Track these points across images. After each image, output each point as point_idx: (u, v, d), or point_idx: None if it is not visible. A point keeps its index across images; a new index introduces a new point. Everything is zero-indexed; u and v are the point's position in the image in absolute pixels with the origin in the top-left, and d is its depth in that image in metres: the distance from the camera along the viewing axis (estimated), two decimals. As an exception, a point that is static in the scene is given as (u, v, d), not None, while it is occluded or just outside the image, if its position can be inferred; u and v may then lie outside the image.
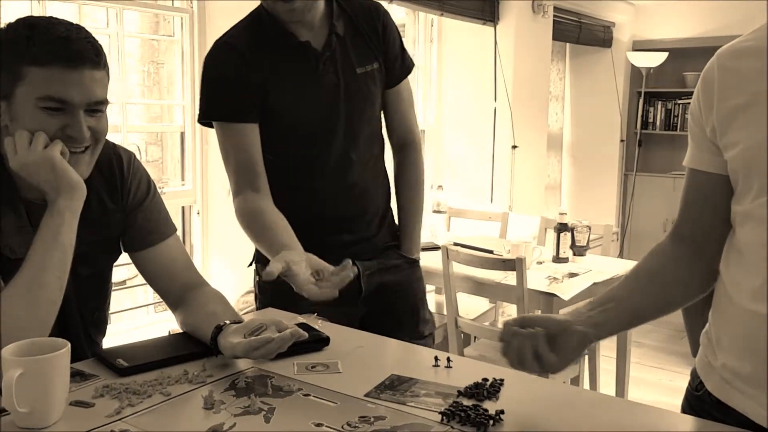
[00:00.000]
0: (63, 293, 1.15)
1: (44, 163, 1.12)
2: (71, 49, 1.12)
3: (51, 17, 1.17)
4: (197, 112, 1.60)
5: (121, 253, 1.35)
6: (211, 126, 1.59)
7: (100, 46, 1.19)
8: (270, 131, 1.56)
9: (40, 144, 1.12)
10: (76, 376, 1.13)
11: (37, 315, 1.10)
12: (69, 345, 1.00)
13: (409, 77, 1.74)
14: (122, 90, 3.16)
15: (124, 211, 1.30)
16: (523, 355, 1.01)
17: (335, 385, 1.13)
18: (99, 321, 1.34)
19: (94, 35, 1.18)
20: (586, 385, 3.19)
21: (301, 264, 1.31)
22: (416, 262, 1.76)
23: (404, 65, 1.71)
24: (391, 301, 1.69)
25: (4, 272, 1.14)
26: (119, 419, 1.00)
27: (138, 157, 1.37)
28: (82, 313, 1.21)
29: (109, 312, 1.38)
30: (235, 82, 1.53)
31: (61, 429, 0.97)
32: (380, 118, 1.71)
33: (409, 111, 1.76)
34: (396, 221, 1.79)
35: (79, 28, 1.16)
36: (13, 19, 1.16)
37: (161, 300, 1.43)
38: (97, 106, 1.18)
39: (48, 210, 1.14)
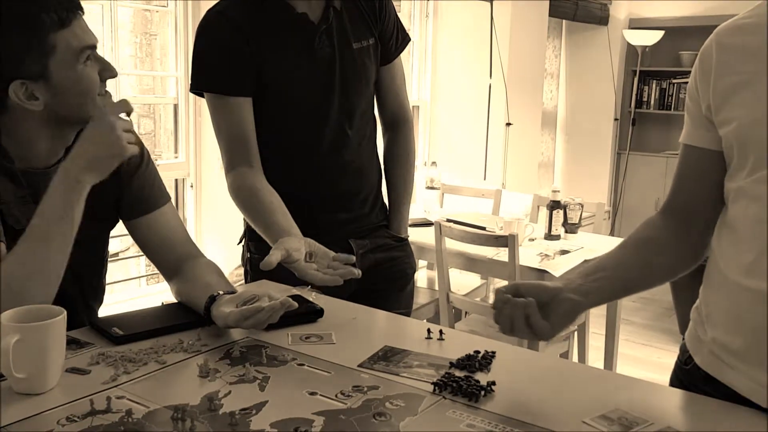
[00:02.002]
0: (65, 265, 1.15)
1: (114, 135, 1.13)
2: (73, 2, 1.14)
3: None
4: (191, 81, 1.58)
5: (117, 221, 1.35)
6: (202, 95, 1.57)
7: None
8: (264, 105, 1.54)
9: (124, 125, 1.15)
10: (72, 343, 1.14)
11: (38, 285, 1.11)
12: (65, 312, 1.00)
13: (404, 53, 1.73)
14: (114, 61, 3.13)
15: (120, 178, 1.30)
16: (514, 323, 1.02)
17: (329, 355, 1.14)
18: (96, 288, 1.34)
19: (85, 5, 1.18)
20: (575, 360, 3.22)
21: (301, 251, 1.32)
22: (405, 240, 1.77)
23: (400, 41, 1.69)
24: (379, 279, 1.70)
25: (9, 242, 1.14)
26: (115, 386, 1.01)
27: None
28: (79, 280, 1.21)
29: (106, 280, 1.39)
30: (229, 54, 1.50)
31: (57, 395, 0.98)
32: (374, 96, 1.70)
33: (401, 88, 1.75)
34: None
35: None
36: None
37: (154, 272, 1.44)
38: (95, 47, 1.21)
39: (63, 178, 1.13)
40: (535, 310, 1.02)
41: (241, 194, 1.52)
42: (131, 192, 1.32)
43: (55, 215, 1.12)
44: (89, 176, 1.14)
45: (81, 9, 1.15)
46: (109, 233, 1.34)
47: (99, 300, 1.36)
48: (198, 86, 1.55)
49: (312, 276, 1.30)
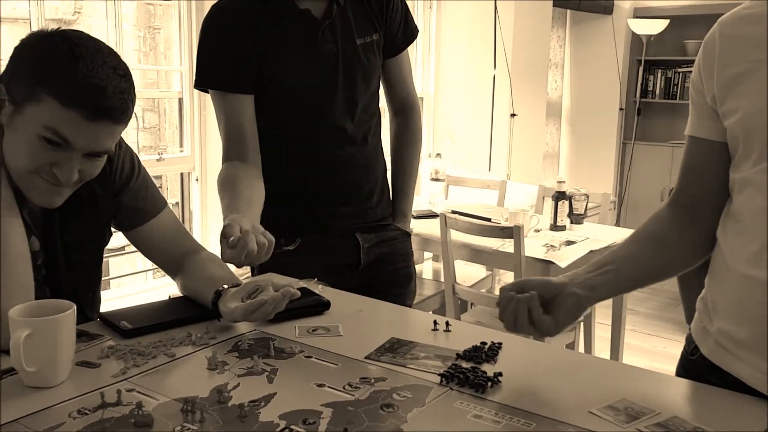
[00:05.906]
0: (27, 246, 1.14)
1: None
2: (100, 104, 1.06)
3: (96, 44, 1.09)
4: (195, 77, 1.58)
5: (111, 235, 1.35)
6: (206, 91, 1.58)
7: (133, 100, 1.12)
8: (267, 100, 1.55)
9: None
10: (82, 336, 1.15)
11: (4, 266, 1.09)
12: (75, 306, 1.01)
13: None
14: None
15: (113, 194, 1.30)
16: (518, 319, 1.03)
17: (336, 347, 1.15)
18: (93, 301, 1.34)
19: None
20: (581, 351, 3.23)
21: (235, 228, 1.19)
22: (409, 235, 1.78)
23: (407, 34, 1.69)
24: (384, 273, 1.70)
25: None
26: (125, 379, 1.02)
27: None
28: (78, 297, 1.21)
29: (101, 290, 1.39)
30: (234, 49, 1.50)
31: (68, 388, 0.99)
32: (378, 91, 1.70)
33: (408, 78, 1.77)
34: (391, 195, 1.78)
35: (119, 77, 1.08)
36: (56, 27, 1.08)
37: (160, 267, 1.44)
38: (99, 154, 1.14)
39: None
40: (536, 303, 1.02)
41: (224, 180, 1.49)
42: (125, 206, 1.31)
43: None
44: None
45: (98, 116, 1.06)
46: (103, 250, 1.34)
47: (96, 311, 1.35)
48: (203, 83, 1.56)
49: (227, 256, 1.20)
